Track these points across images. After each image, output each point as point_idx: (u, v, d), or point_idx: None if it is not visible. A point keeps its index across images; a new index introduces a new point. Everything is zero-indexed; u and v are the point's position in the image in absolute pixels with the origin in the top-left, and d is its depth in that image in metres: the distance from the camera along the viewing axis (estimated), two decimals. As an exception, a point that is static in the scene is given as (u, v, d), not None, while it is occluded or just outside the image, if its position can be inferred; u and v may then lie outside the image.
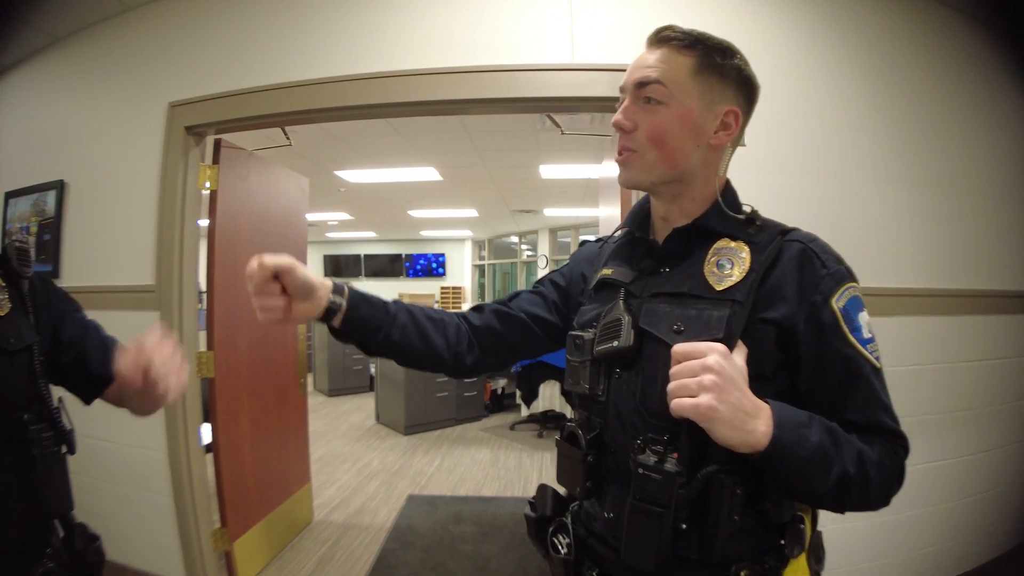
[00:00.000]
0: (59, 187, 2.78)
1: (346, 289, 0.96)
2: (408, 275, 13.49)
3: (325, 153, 5.37)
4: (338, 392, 7.88)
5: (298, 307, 0.90)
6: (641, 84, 0.87)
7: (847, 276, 0.84)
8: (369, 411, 6.74)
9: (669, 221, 0.94)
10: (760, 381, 0.78)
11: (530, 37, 2.16)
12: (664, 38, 0.88)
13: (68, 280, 2.74)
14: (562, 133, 2.77)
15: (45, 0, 2.59)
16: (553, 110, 2.31)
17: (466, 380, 6.19)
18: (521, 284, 11.71)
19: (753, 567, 0.80)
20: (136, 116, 2.63)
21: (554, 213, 8.84)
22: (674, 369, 0.75)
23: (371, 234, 12.79)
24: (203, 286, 2.76)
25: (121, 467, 2.63)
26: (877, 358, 0.82)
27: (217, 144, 2.68)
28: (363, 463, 4.88)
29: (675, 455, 0.77)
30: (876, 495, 0.78)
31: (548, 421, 5.71)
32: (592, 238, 1.21)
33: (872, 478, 0.76)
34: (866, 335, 0.82)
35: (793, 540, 0.83)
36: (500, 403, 6.78)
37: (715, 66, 0.86)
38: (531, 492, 3.63)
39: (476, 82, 2.18)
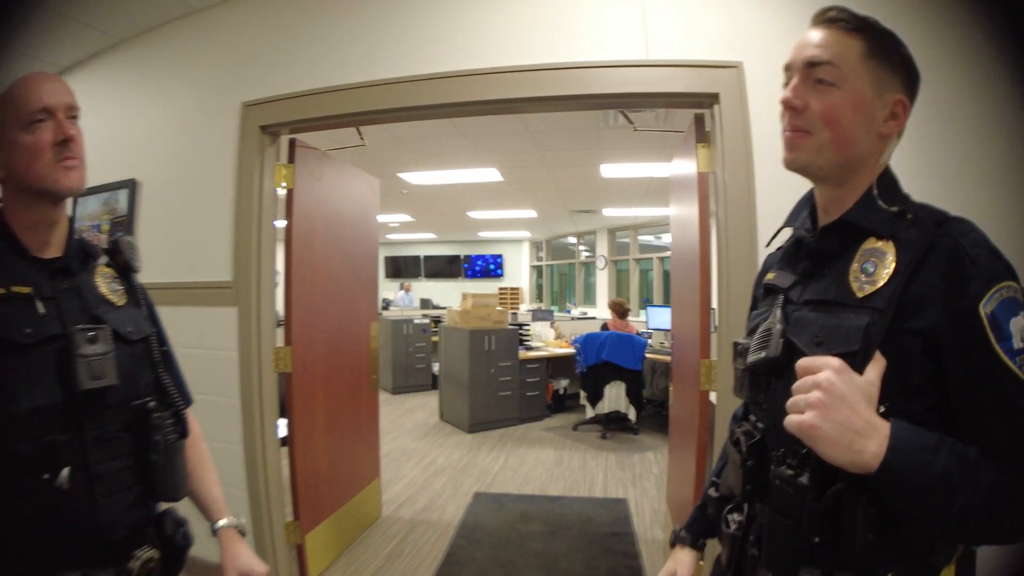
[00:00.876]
0: (131, 186, 2.91)
1: None
2: (466, 276, 13.62)
3: (389, 155, 5.47)
4: (401, 390, 8.02)
5: None
6: (812, 64, 0.82)
7: (1002, 274, 0.74)
8: (433, 409, 6.83)
9: (830, 213, 0.88)
10: (904, 396, 0.73)
11: (605, 34, 2.13)
12: (831, 19, 0.84)
13: (141, 276, 2.85)
14: (635, 129, 2.72)
15: (105, 3, 2.72)
16: (627, 106, 2.30)
17: (529, 380, 6.19)
18: (579, 285, 11.61)
19: (899, 573, 0.75)
20: (209, 116, 2.73)
21: (613, 213, 8.72)
22: (795, 384, 0.73)
23: (431, 235, 12.99)
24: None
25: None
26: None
27: (292, 144, 2.75)
28: (429, 460, 4.94)
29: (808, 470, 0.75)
30: (1010, 529, 0.71)
31: (612, 422, 5.63)
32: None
33: (1003, 512, 0.69)
34: (1017, 345, 0.71)
35: (939, 548, 0.77)
36: (562, 403, 6.74)
37: (884, 53, 0.83)
38: (597, 493, 3.62)
39: (553, 79, 2.16)
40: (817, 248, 0.89)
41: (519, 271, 13.35)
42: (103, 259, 1.13)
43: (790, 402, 0.73)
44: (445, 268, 13.85)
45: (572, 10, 2.18)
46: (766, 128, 1.94)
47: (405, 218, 9.87)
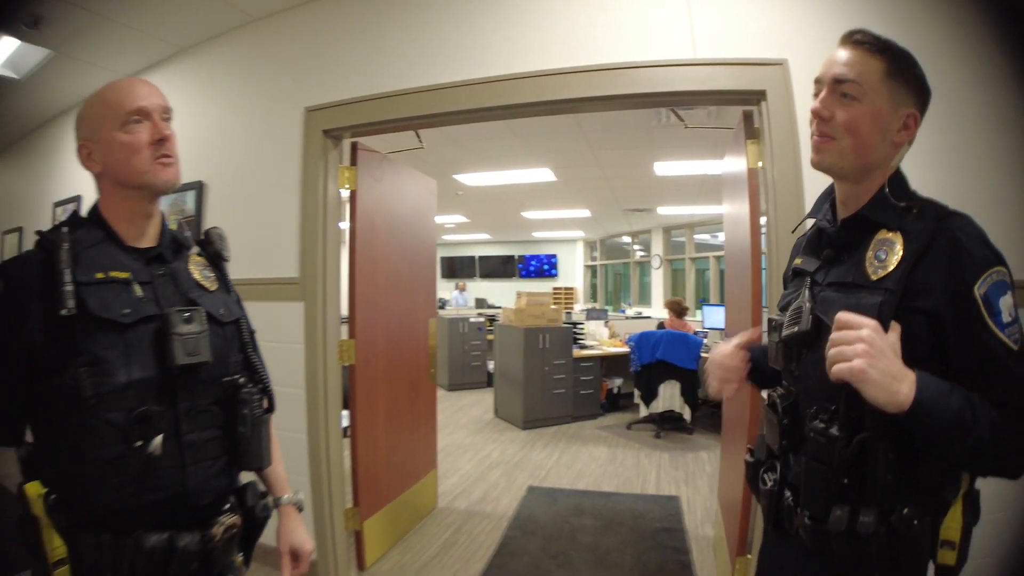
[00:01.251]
0: (198, 187, 3.13)
1: None
2: (520, 276, 13.73)
3: (444, 157, 5.61)
4: (457, 387, 8.19)
5: None
6: (839, 80, 0.96)
7: (992, 261, 0.88)
8: (488, 406, 6.95)
9: (848, 207, 1.03)
10: (915, 363, 0.85)
11: (654, 34, 2.17)
12: (857, 41, 0.98)
13: None
14: (686, 127, 2.74)
15: (164, 14, 2.92)
16: (676, 104, 2.33)
17: (583, 378, 6.22)
18: (634, 285, 11.52)
19: (915, 507, 0.89)
20: (273, 120, 2.89)
21: (668, 211, 8.62)
22: (834, 335, 0.85)
23: (485, 236, 13.16)
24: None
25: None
26: (1015, 341, 0.86)
27: (354, 147, 2.90)
28: (484, 454, 5.05)
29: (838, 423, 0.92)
30: (1012, 463, 0.87)
31: (666, 422, 5.59)
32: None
33: (1005, 448, 0.83)
34: (1006, 319, 0.87)
35: (948, 485, 0.92)
36: (616, 403, 6.73)
37: (901, 73, 0.96)
38: (650, 490, 3.64)
39: (603, 80, 2.22)
40: (838, 238, 1.04)
41: (573, 271, 13.35)
42: (195, 249, 1.21)
43: (835, 351, 0.84)
44: (500, 268, 13.99)
45: (620, 12, 2.23)
46: (808, 123, 1.95)
47: (460, 219, 10.06)
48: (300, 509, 1.29)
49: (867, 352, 0.81)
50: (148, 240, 1.10)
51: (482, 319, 8.43)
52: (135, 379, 0.99)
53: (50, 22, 2.93)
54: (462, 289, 12.61)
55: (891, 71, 0.95)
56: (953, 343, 0.88)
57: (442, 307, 11.47)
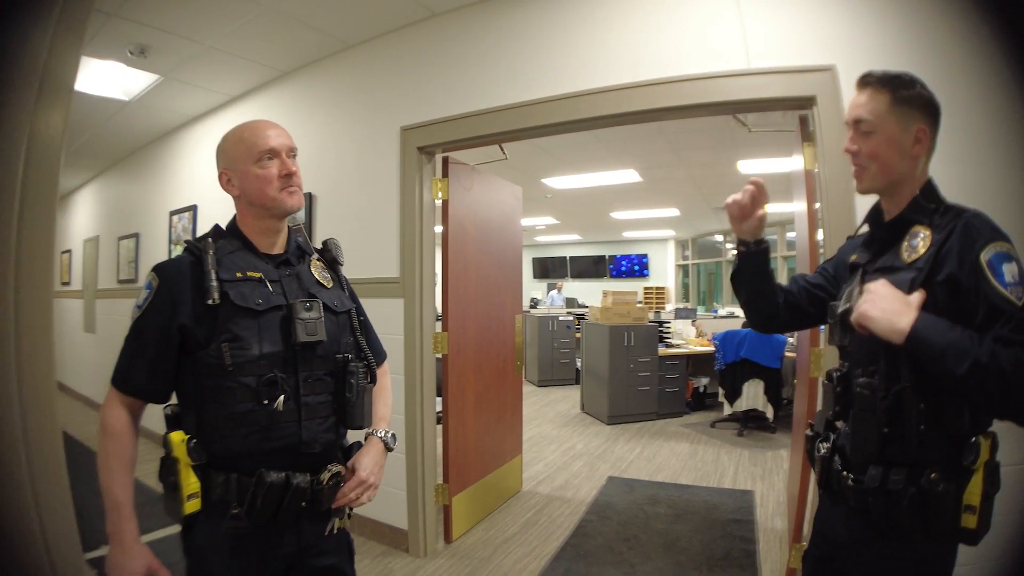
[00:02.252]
0: (309, 199, 3.57)
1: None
2: (611, 276, 13.79)
3: (533, 163, 5.91)
4: (546, 383, 8.48)
5: None
6: (857, 122, 1.21)
7: (997, 238, 1.07)
8: (575, 401, 7.18)
9: (890, 213, 1.26)
10: None
11: (710, 48, 2.32)
12: (866, 82, 1.22)
13: None
14: (749, 131, 2.85)
15: (263, 42, 3.33)
16: (734, 111, 2.45)
17: (668, 376, 6.31)
18: (726, 284, 11.29)
19: (940, 472, 1.07)
20: (371, 138, 3.29)
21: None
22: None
23: (576, 236, 13.34)
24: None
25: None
26: (1018, 297, 1.01)
27: (445, 161, 3.24)
28: (568, 445, 5.29)
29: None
30: (1018, 392, 0.96)
31: (749, 420, 5.58)
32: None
33: (1008, 372, 0.95)
34: (1008, 280, 1.03)
35: (968, 451, 1.07)
36: (702, 401, 6.74)
37: (903, 98, 1.17)
38: (726, 484, 3.78)
39: (666, 92, 2.39)
40: (884, 236, 1.26)
41: (665, 271, 13.25)
42: (315, 255, 1.46)
43: (855, 306, 1.11)
44: (591, 268, 14.12)
45: (680, 28, 2.39)
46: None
47: (550, 220, 10.33)
48: (388, 448, 1.45)
49: (870, 299, 1.08)
50: (277, 248, 1.36)
51: (571, 318, 8.66)
52: (265, 352, 1.23)
53: (157, 51, 3.40)
54: (559, 289, 12.88)
55: (895, 100, 1.17)
56: (970, 301, 1.05)
57: (534, 306, 11.81)
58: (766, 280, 1.45)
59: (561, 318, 8.61)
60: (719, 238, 11.72)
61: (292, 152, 1.33)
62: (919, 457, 1.09)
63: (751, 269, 1.45)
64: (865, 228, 1.35)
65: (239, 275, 1.25)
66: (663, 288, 12.46)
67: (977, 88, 1.90)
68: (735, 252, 1.48)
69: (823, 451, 1.29)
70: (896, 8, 2.03)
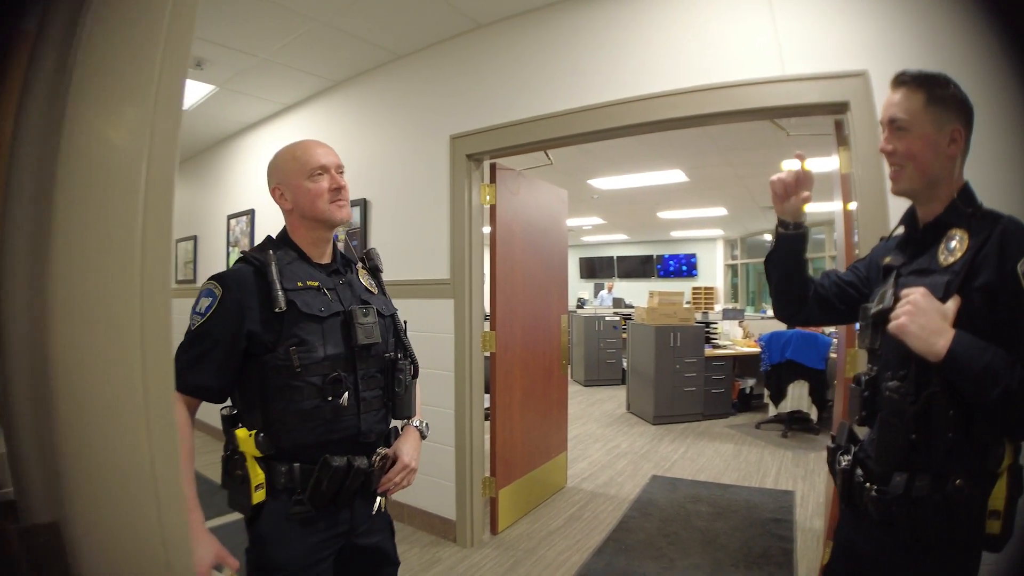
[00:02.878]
0: (363, 204, 3.77)
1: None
2: (659, 275, 13.69)
3: (579, 165, 5.99)
4: (592, 383, 8.54)
5: None
6: (892, 121, 1.21)
7: None
8: (620, 401, 7.22)
9: (926, 216, 1.26)
10: (980, 337, 1.06)
11: (746, 56, 2.37)
12: (900, 81, 1.22)
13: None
14: (788, 135, 2.87)
15: (316, 54, 3.51)
16: (770, 117, 2.47)
17: (714, 377, 6.29)
18: (779, 284, 11.05)
19: (966, 479, 1.08)
20: (422, 146, 3.45)
21: (808, 208, 8.27)
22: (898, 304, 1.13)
23: (623, 236, 13.31)
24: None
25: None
26: None
27: (493, 167, 3.38)
28: (613, 444, 5.36)
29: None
30: None
31: (794, 422, 5.52)
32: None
33: None
34: None
35: (994, 456, 1.08)
36: (748, 403, 6.68)
37: (938, 98, 1.17)
38: (768, 484, 3.78)
39: (704, 99, 2.45)
40: (920, 238, 1.26)
41: (713, 270, 13.07)
42: (359, 264, 1.59)
43: (893, 314, 1.10)
44: (638, 268, 14.05)
45: (716, 37, 2.45)
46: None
47: (597, 221, 10.36)
48: (423, 436, 1.57)
49: (909, 312, 1.07)
50: (326, 258, 1.47)
51: (617, 318, 8.69)
52: (329, 354, 1.34)
53: (213, 63, 3.62)
54: (610, 289, 12.88)
55: (930, 99, 1.17)
56: (1003, 312, 1.06)
57: (580, 306, 11.86)
58: (800, 266, 1.47)
59: (608, 318, 8.66)
60: (768, 237, 11.49)
61: (340, 169, 1.44)
62: (945, 465, 1.09)
63: (786, 250, 1.47)
64: (900, 230, 1.35)
65: (300, 284, 1.35)
66: (712, 288, 12.29)
67: (1009, 91, 1.90)
68: (773, 234, 1.50)
69: (844, 463, 1.29)
70: (926, 13, 2.04)
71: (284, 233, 1.46)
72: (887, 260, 1.33)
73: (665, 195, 7.70)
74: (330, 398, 1.33)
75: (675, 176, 6.38)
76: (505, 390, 3.46)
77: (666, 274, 13.62)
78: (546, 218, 3.94)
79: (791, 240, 1.46)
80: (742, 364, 6.69)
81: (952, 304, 1.08)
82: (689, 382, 6.17)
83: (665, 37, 2.59)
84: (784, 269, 1.48)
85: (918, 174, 1.20)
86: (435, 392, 3.35)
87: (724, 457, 4.91)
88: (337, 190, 1.41)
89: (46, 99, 0.66)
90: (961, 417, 1.08)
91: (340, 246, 1.56)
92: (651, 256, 13.84)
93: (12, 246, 0.62)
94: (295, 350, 1.29)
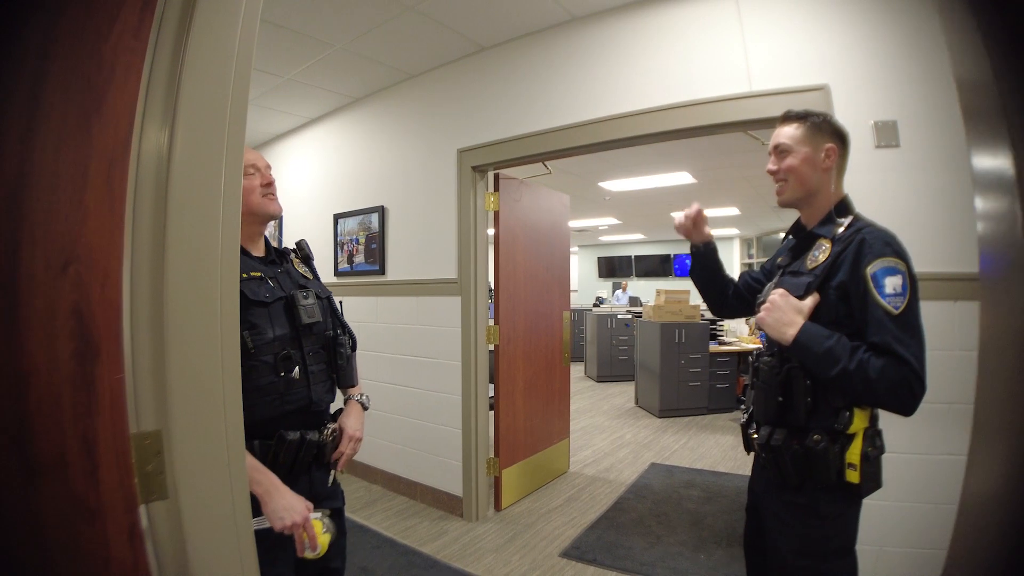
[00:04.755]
0: (380, 210, 4.11)
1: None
2: (676, 274, 13.83)
3: (589, 168, 6.24)
4: (605, 379, 8.80)
5: None
6: (776, 146, 1.52)
7: (885, 252, 1.30)
8: (630, 396, 7.48)
9: (808, 224, 1.54)
10: (834, 325, 1.34)
11: (717, 74, 2.62)
12: (786, 117, 1.53)
13: (391, 275, 4.05)
14: (763, 145, 3.11)
15: (336, 73, 3.83)
16: (740, 130, 2.70)
17: (719, 372, 6.51)
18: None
19: (823, 435, 1.36)
20: (433, 159, 3.78)
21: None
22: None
23: (640, 236, 13.48)
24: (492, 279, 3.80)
25: (427, 407, 3.80)
26: (895, 307, 1.26)
27: (496, 177, 3.69)
28: (617, 435, 5.64)
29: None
30: (883, 393, 1.25)
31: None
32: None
33: (872, 378, 1.24)
34: (888, 291, 1.27)
35: (840, 419, 1.34)
36: (754, 398, 6.86)
37: (814, 124, 1.48)
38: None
39: (682, 115, 2.72)
40: (798, 245, 1.57)
41: (731, 269, 13.15)
42: (292, 255, 1.72)
43: (757, 310, 1.46)
44: (657, 267, 14.18)
45: (692, 56, 2.71)
46: (851, 142, 2.28)
47: (612, 221, 10.58)
48: (364, 408, 1.74)
49: (768, 308, 1.40)
50: (260, 251, 1.60)
51: (629, 315, 8.93)
52: (278, 335, 1.48)
53: None
54: (624, 288, 13.09)
55: (808, 126, 1.48)
56: (854, 308, 1.32)
57: (598, 305, 12.10)
58: (716, 273, 1.83)
59: (620, 316, 8.90)
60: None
61: (269, 168, 1.59)
62: (809, 423, 1.37)
63: (701, 265, 1.83)
64: (789, 238, 1.64)
65: (245, 275, 1.45)
66: (728, 287, 12.40)
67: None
68: (690, 254, 1.86)
69: (743, 419, 1.63)
70: (882, 30, 2.26)
71: None
72: (779, 260, 1.64)
73: (676, 196, 7.89)
74: (282, 373, 1.46)
75: (683, 178, 6.59)
76: (508, 379, 3.77)
77: (683, 273, 13.75)
78: (548, 221, 4.23)
79: (702, 256, 1.83)
80: (747, 359, 6.88)
81: (810, 301, 1.37)
82: (694, 377, 6.40)
83: (648, 59, 2.85)
84: (703, 278, 1.85)
85: (798, 186, 1.48)
86: (444, 380, 3.67)
87: (723, 448, 5.15)
88: (268, 184, 1.56)
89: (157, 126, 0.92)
90: (814, 385, 1.37)
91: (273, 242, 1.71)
92: (669, 255, 13.98)
93: (140, 243, 0.88)
94: (247, 334, 1.40)
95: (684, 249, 13.73)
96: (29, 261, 0.75)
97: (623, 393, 7.86)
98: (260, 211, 1.54)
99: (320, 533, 1.39)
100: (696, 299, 7.70)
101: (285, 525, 1.33)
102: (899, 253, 1.31)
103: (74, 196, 0.79)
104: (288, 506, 1.34)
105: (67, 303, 0.75)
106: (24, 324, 0.72)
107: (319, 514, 1.42)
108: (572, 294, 14.84)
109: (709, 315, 7.52)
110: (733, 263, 13.16)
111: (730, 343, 6.81)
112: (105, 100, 0.83)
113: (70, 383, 0.73)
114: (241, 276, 1.41)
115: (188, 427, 0.87)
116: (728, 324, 7.14)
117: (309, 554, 1.38)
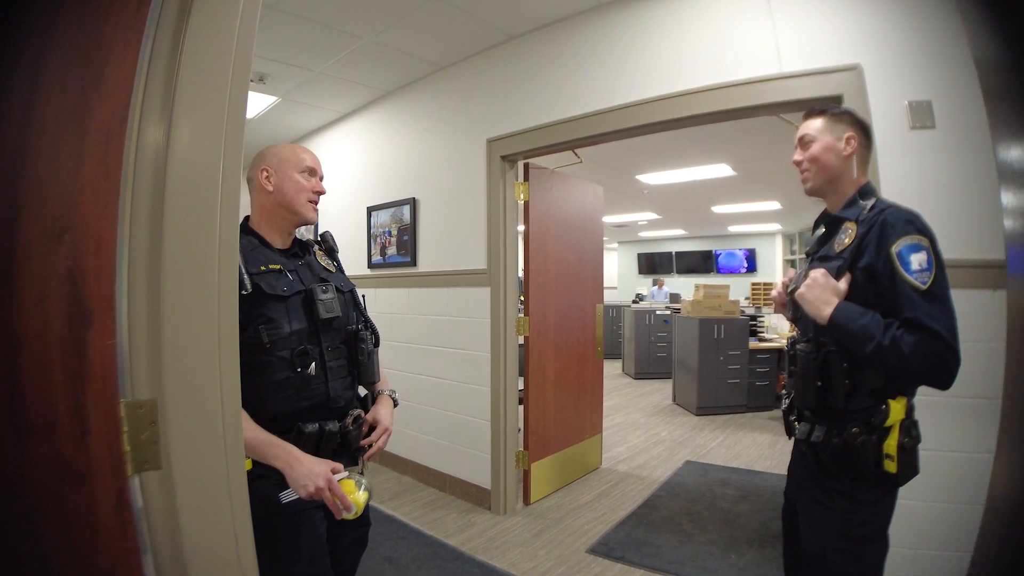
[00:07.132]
0: (412, 202, 4.13)
1: None
2: (718, 271, 13.55)
3: (624, 161, 6.15)
4: (643, 376, 8.68)
5: None
6: (801, 138, 1.56)
7: (908, 231, 1.32)
8: (667, 393, 7.35)
9: (833, 211, 1.55)
10: (864, 306, 1.34)
11: (747, 56, 2.53)
12: (808, 113, 1.57)
13: (422, 267, 4.07)
14: (796, 128, 2.99)
15: (368, 67, 3.86)
16: (770, 113, 2.59)
17: (758, 370, 6.33)
18: (842, 280, 10.76)
19: (861, 427, 1.37)
20: (463, 150, 3.77)
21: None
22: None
23: (680, 232, 13.25)
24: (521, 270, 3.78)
25: (457, 398, 3.81)
26: (923, 283, 1.27)
27: (526, 166, 3.66)
28: (653, 432, 5.54)
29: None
30: (918, 368, 1.25)
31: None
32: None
33: (907, 354, 1.24)
34: (914, 268, 1.28)
35: (878, 413, 1.34)
36: (797, 397, 6.64)
37: (835, 115, 1.53)
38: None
39: (714, 97, 2.63)
40: (825, 231, 1.57)
41: (773, 265, 12.83)
42: (316, 247, 1.70)
43: (799, 287, 1.45)
44: (698, 263, 13.93)
45: (722, 38, 2.62)
46: (884, 123, 2.16)
47: (651, 216, 10.42)
48: (395, 403, 1.72)
49: (808, 285, 1.41)
50: (286, 244, 1.59)
51: (668, 312, 8.78)
52: (295, 329, 1.45)
53: (274, 78, 4.06)
54: (660, 285, 12.92)
55: (829, 116, 1.52)
56: (882, 288, 1.33)
57: (637, 301, 11.95)
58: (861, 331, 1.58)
59: (659, 312, 8.76)
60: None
61: (322, 179, 1.62)
62: (847, 408, 1.38)
63: (838, 338, 1.49)
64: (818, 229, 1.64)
65: (263, 268, 1.45)
66: (771, 284, 12.08)
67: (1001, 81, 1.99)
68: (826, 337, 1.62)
69: (784, 405, 1.63)
70: (916, 6, 2.14)
71: (245, 222, 1.56)
72: (807, 250, 1.66)
73: (715, 189, 7.72)
74: (299, 369, 1.44)
75: (722, 170, 6.43)
76: (538, 371, 3.73)
77: (724, 269, 13.47)
78: (580, 213, 4.18)
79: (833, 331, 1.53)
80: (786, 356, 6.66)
81: (844, 282, 1.39)
82: (733, 374, 6.24)
83: (677, 43, 2.78)
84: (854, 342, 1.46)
85: (820, 172, 1.51)
86: (472, 371, 3.67)
87: (760, 447, 5.00)
88: (317, 193, 1.58)
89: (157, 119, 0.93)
90: (851, 368, 1.38)
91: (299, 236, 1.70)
92: (710, 251, 13.71)
93: (136, 240, 0.89)
94: (263, 328, 1.39)
95: (726, 245, 13.47)
96: (26, 227, 0.76)
97: (661, 390, 7.73)
98: (300, 212, 1.55)
99: (353, 491, 1.40)
100: (736, 294, 7.54)
101: (309, 492, 1.34)
102: (921, 230, 1.32)
103: (72, 167, 0.80)
104: (309, 472, 1.34)
105: (62, 269, 0.76)
106: (20, 286, 0.74)
107: (346, 473, 1.42)
108: (612, 290, 14.74)
109: (750, 311, 7.36)
110: (776, 259, 12.82)
111: (770, 340, 6.61)
112: (103, 76, 0.84)
113: (61, 346, 0.74)
114: (259, 269, 1.44)
115: (183, 397, 0.87)
116: (770, 320, 6.94)
117: (347, 515, 1.38)
